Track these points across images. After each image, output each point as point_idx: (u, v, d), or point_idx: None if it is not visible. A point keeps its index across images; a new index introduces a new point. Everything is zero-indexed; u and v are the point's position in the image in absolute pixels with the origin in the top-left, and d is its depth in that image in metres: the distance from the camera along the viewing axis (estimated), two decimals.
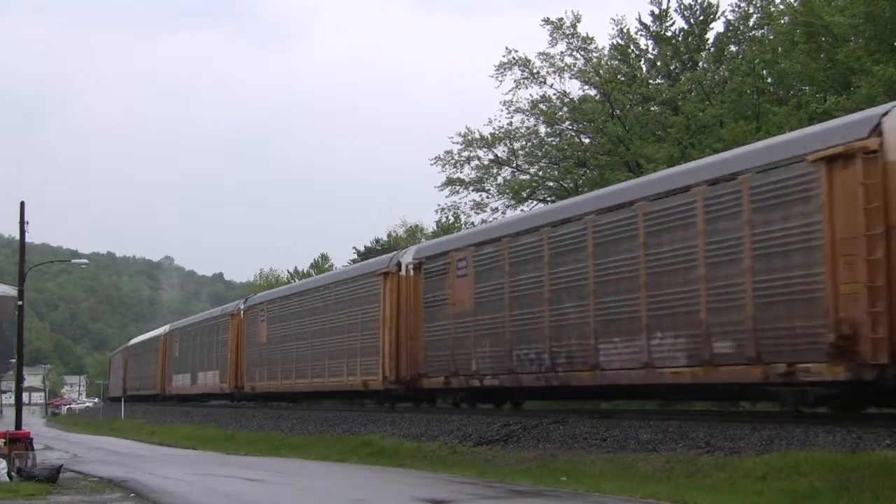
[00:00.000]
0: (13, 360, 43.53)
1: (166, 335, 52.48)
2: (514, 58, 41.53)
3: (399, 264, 25.61)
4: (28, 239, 30.34)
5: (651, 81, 41.90)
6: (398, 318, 25.24)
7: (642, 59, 43.00)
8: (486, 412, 22.49)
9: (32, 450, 18.33)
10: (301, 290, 34.44)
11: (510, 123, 42.57)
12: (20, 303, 29.47)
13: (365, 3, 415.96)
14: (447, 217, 48.54)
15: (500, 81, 42.06)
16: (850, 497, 10.64)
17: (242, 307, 39.56)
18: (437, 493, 12.93)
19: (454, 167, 43.72)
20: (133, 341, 67.39)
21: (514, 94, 42.05)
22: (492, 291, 21.23)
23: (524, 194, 42.81)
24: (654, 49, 42.42)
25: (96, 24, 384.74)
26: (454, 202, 45.00)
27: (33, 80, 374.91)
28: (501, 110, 42.51)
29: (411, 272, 24.88)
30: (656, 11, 41.56)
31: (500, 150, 43.32)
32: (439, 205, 46.69)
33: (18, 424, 26.16)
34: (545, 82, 41.89)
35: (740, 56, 37.54)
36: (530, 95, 42.44)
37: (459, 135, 43.13)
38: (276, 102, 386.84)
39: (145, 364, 58.59)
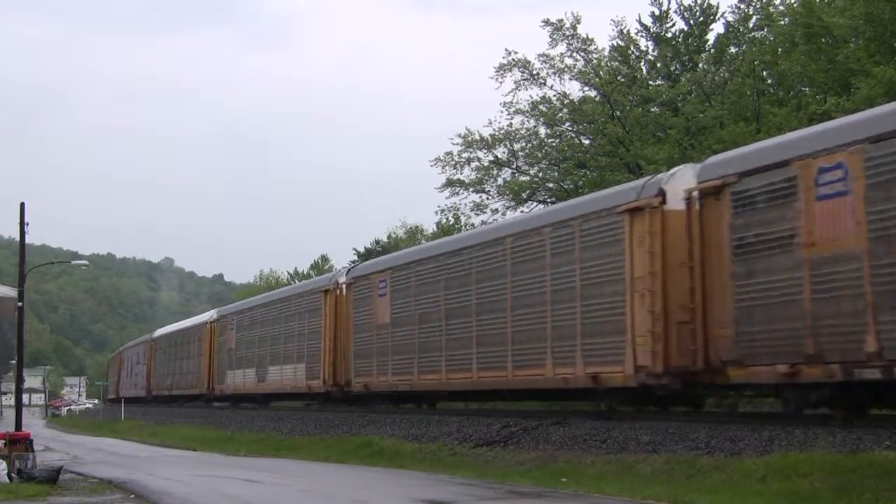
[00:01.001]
0: (13, 362, 43.52)
1: (214, 322, 42.56)
2: (513, 59, 41.53)
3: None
4: (28, 240, 30.31)
5: (651, 83, 41.90)
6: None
7: (642, 61, 42.99)
8: (486, 413, 22.50)
9: (32, 451, 18.33)
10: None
11: (510, 125, 42.58)
12: (20, 304, 29.43)
13: (363, 3, 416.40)
14: (447, 218, 48.57)
15: (500, 83, 42.07)
16: (851, 498, 10.64)
17: (343, 280, 29.66)
18: (437, 494, 12.93)
19: (454, 168, 43.71)
20: (163, 331, 56.32)
21: (514, 96, 42.08)
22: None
23: (524, 195, 42.80)
24: (654, 50, 42.42)
25: (95, 24, 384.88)
26: (454, 203, 45.02)
27: (32, 80, 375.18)
28: (501, 111, 42.52)
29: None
30: (656, 13, 41.56)
31: (500, 152, 43.32)
32: (439, 206, 46.74)
33: (18, 426, 26.13)
34: (545, 83, 41.90)
35: (740, 57, 37.54)
36: (530, 97, 42.45)
37: (459, 136, 43.15)
38: (276, 103, 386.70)
39: (181, 358, 48.18)
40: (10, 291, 29.05)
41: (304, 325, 31.01)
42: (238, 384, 38.31)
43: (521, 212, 40.77)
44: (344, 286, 28.87)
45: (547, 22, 40.94)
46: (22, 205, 29.18)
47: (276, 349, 33.98)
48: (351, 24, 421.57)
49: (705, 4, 40.81)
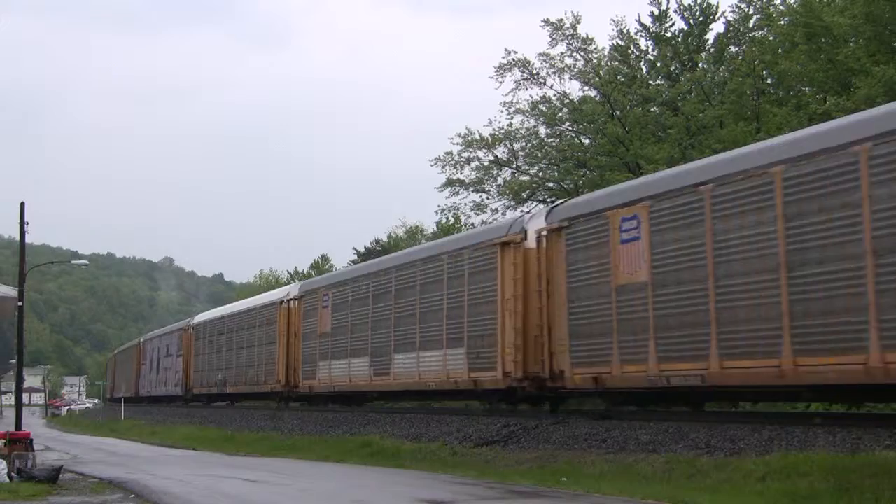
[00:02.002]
0: (13, 361, 43.50)
1: (292, 301, 33.54)
2: (513, 59, 41.56)
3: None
4: (28, 240, 30.38)
5: (651, 82, 41.90)
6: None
7: (642, 60, 42.99)
8: (485, 413, 22.52)
9: (32, 450, 18.33)
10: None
11: (510, 124, 42.62)
12: (20, 303, 29.48)
13: (362, 3, 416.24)
14: (447, 218, 48.58)
15: (500, 83, 42.11)
16: (850, 498, 10.64)
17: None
18: (437, 494, 12.93)
19: (454, 168, 43.74)
20: (207, 316, 47.08)
21: (514, 96, 42.11)
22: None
23: (524, 195, 42.81)
24: (654, 50, 42.42)
25: (95, 24, 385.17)
26: (454, 203, 45.04)
27: (32, 80, 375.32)
28: (501, 111, 42.57)
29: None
30: (656, 12, 41.57)
31: (500, 151, 43.34)
32: (439, 205, 46.74)
33: (18, 425, 26.17)
34: (545, 83, 41.93)
35: (740, 57, 37.54)
36: (530, 96, 42.49)
37: (459, 135, 43.19)
38: (275, 103, 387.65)
39: (240, 348, 38.94)
40: (10, 291, 29.09)
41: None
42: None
43: (521, 211, 40.77)
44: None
45: (547, 22, 40.99)
46: (22, 204, 29.21)
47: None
48: (347, 22, 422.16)
49: (705, 4, 40.81)
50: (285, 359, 33.29)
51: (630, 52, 42.40)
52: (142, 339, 58.18)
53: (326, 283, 31.65)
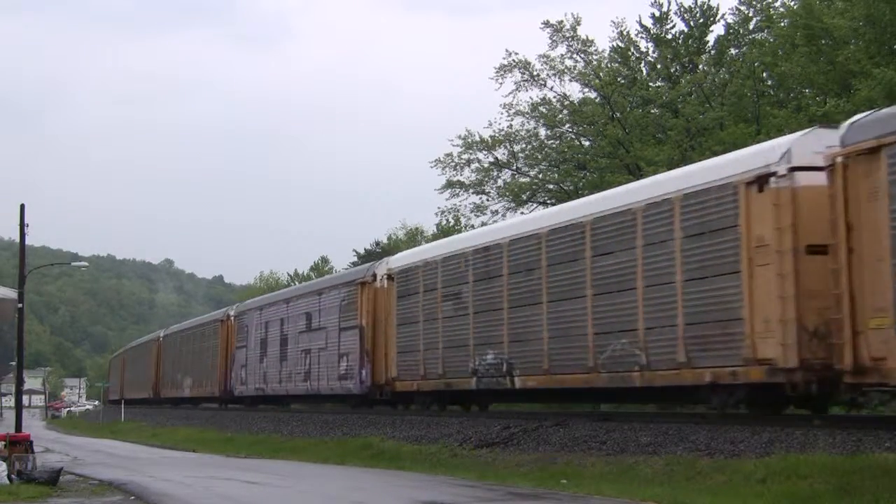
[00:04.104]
0: (13, 363, 43.46)
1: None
2: (513, 60, 41.58)
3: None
4: (28, 241, 30.34)
5: (651, 84, 41.91)
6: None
7: (642, 62, 43.01)
8: (486, 415, 22.51)
9: (32, 452, 18.31)
10: None
11: (510, 126, 42.63)
12: (20, 305, 29.45)
13: (360, 3, 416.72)
14: (447, 220, 48.57)
15: (500, 84, 42.11)
16: (851, 499, 10.64)
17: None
18: (437, 496, 12.94)
19: (454, 170, 43.75)
20: (410, 257, 28.18)
21: (514, 97, 42.12)
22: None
23: (524, 197, 42.83)
24: (654, 52, 42.43)
25: (95, 24, 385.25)
26: (454, 205, 45.04)
27: (32, 80, 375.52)
28: (501, 113, 42.57)
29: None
30: (656, 14, 41.58)
31: (500, 153, 43.35)
32: (439, 207, 46.71)
33: (18, 427, 26.15)
34: (545, 85, 41.95)
35: (740, 59, 37.56)
36: (530, 98, 42.50)
37: (459, 137, 43.19)
38: (275, 104, 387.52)
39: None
40: (10, 293, 29.04)
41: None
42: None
43: (522, 212, 40.80)
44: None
45: (547, 23, 41.01)
46: (22, 206, 29.21)
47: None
48: (346, 22, 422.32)
49: (705, 6, 40.83)
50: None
51: (630, 53, 42.41)
52: (232, 313, 41.28)
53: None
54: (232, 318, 40.27)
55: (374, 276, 27.34)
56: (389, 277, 26.26)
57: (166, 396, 52.40)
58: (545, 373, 19.41)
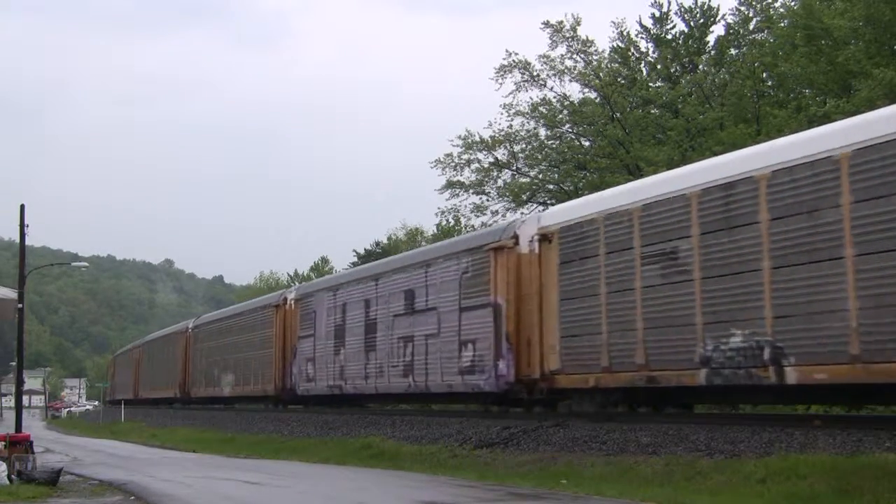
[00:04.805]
0: (13, 363, 43.43)
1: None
2: (514, 60, 41.61)
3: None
4: (28, 242, 30.32)
5: (651, 84, 41.94)
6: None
7: (642, 62, 43.06)
8: (486, 416, 22.50)
9: (32, 452, 18.32)
10: None
11: (510, 126, 42.67)
12: (20, 305, 29.41)
13: (360, 4, 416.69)
14: (447, 220, 48.59)
15: (500, 84, 42.15)
16: (851, 500, 10.64)
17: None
18: (437, 496, 12.94)
19: (454, 170, 43.78)
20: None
21: (514, 97, 42.15)
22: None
23: (524, 197, 42.85)
24: (654, 52, 42.48)
25: (94, 24, 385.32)
26: (454, 205, 45.07)
27: (32, 80, 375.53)
28: (501, 113, 42.62)
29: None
30: (657, 14, 41.63)
31: (501, 153, 43.39)
32: (439, 208, 46.79)
33: (18, 427, 26.14)
34: (545, 85, 41.98)
35: (740, 59, 37.58)
36: (530, 98, 42.55)
37: (459, 137, 43.23)
38: (275, 104, 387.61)
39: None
40: (10, 293, 28.99)
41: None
42: None
43: (522, 213, 40.81)
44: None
45: (547, 24, 41.04)
46: (22, 206, 29.20)
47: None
48: (345, 22, 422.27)
49: (706, 6, 40.86)
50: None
51: (630, 54, 42.46)
52: (291, 296, 33.75)
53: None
54: (291, 301, 32.73)
55: (516, 238, 20.53)
56: (544, 238, 19.56)
57: (198, 396, 44.70)
58: (852, 360, 13.03)
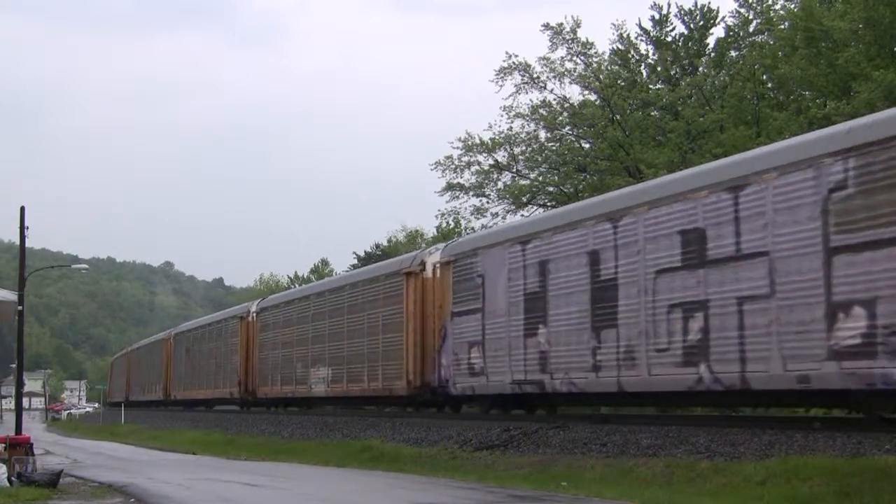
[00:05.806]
0: (13, 365, 43.45)
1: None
2: (513, 63, 41.62)
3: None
4: (28, 244, 30.36)
5: (651, 86, 41.94)
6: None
7: (642, 64, 43.07)
8: (486, 417, 22.50)
9: (33, 455, 18.30)
10: None
11: (510, 128, 42.66)
12: (20, 308, 29.43)
13: (359, 4, 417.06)
14: (447, 222, 48.59)
15: (500, 86, 42.15)
16: (851, 502, 10.64)
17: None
18: (437, 498, 12.94)
19: (454, 172, 43.78)
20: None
21: (514, 99, 42.16)
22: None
23: (524, 199, 42.84)
24: (654, 54, 42.48)
25: (94, 25, 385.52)
26: (454, 207, 45.05)
27: (32, 80, 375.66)
28: (501, 115, 42.62)
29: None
30: (656, 16, 41.64)
31: (501, 156, 43.38)
32: (439, 210, 46.79)
33: (19, 429, 26.14)
34: (545, 87, 41.99)
35: (740, 61, 37.59)
36: (530, 100, 42.54)
37: (459, 140, 43.22)
38: (275, 104, 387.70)
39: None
40: (10, 295, 29.02)
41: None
42: None
43: (523, 214, 40.82)
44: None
45: (547, 26, 41.06)
46: (22, 208, 29.23)
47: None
48: (344, 23, 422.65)
49: (705, 8, 40.88)
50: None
51: (630, 56, 42.47)
52: (435, 259, 25.21)
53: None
54: (435, 266, 24.05)
55: None
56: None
57: (264, 396, 36.22)
58: None
